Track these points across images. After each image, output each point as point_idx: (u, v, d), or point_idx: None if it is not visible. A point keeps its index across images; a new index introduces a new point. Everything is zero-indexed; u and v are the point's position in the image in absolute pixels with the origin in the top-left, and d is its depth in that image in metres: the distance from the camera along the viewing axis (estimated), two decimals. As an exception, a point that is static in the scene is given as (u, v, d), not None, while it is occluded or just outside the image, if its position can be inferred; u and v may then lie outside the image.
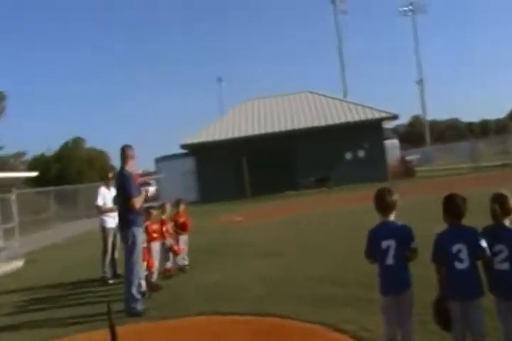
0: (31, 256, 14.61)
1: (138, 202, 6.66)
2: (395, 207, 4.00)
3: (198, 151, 30.37)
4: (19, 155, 47.32)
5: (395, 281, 3.93)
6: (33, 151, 71.35)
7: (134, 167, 7.06)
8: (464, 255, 3.64)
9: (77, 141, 53.64)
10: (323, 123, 29.40)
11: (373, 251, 3.99)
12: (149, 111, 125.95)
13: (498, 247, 3.65)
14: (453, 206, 3.76)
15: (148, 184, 24.83)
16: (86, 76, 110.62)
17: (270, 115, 31.47)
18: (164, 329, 5.91)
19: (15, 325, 7.06)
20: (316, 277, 7.45)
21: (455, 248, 3.66)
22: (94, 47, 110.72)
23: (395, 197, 4.01)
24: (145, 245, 7.68)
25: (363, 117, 29.13)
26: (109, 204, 9.40)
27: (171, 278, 8.67)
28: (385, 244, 3.89)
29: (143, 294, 7.43)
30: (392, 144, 32.78)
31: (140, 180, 7.27)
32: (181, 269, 9.17)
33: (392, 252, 3.86)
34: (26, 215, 21.20)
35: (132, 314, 6.53)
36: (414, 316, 4.02)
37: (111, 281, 9.07)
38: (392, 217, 4.00)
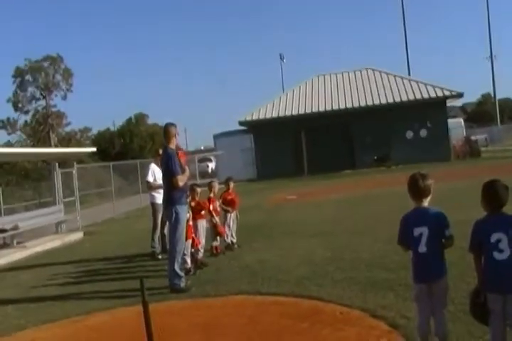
0: (90, 229, 15.13)
1: (181, 180, 6.67)
2: (429, 192, 3.80)
3: (256, 128, 30.36)
4: (85, 130, 48.83)
5: (427, 269, 3.76)
6: (98, 127, 73.54)
7: (178, 144, 7.06)
8: (503, 245, 3.42)
9: (140, 117, 54.66)
10: (384, 100, 28.69)
11: (406, 238, 3.83)
12: (211, 87, 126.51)
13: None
14: (493, 194, 3.53)
15: (209, 160, 25.48)
16: (151, 53, 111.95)
17: (330, 92, 30.96)
18: (203, 307, 5.96)
19: (64, 295, 7.33)
20: (362, 260, 7.30)
21: (494, 237, 3.44)
22: (164, 25, 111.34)
23: (429, 181, 3.81)
24: (191, 223, 7.75)
25: (425, 95, 28.19)
26: (160, 180, 9.48)
27: (218, 256, 8.75)
28: (417, 230, 3.72)
29: (188, 271, 7.55)
30: (456, 123, 31.70)
31: (185, 158, 7.27)
32: (229, 247, 9.23)
33: (424, 240, 3.69)
34: (87, 189, 21.94)
35: (175, 290, 6.63)
36: (451, 305, 3.86)
37: (160, 256, 9.23)
38: (425, 203, 3.82)
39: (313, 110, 29.53)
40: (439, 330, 3.74)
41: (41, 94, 47.13)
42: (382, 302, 5.26)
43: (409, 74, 40.03)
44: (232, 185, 9.61)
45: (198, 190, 8.30)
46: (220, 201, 9.30)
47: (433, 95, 28.11)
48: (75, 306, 6.66)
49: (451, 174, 20.06)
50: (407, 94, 28.72)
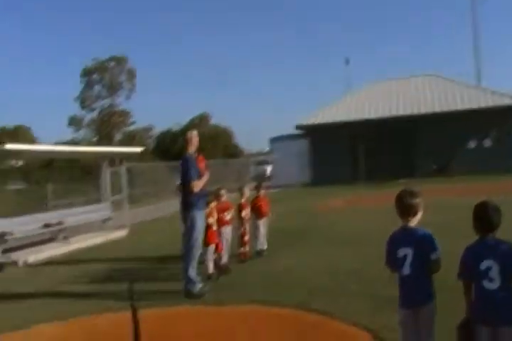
0: (136, 228, 15.38)
1: (197, 186, 6.65)
2: (416, 211, 3.56)
3: (313, 133, 30.08)
4: (147, 129, 50.11)
5: (411, 293, 3.52)
6: (161, 126, 75.26)
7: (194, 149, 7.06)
8: (494, 273, 3.16)
9: (203, 118, 55.50)
10: (445, 108, 27.70)
11: (391, 259, 3.61)
12: (272, 90, 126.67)
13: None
14: (482, 216, 3.27)
15: (267, 163, 25.43)
16: (214, 54, 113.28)
17: (391, 98, 30.24)
18: (209, 314, 5.92)
19: (88, 292, 7.49)
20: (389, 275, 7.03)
21: (484, 264, 3.18)
22: (230, 33, 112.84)
23: (416, 200, 3.57)
24: (215, 228, 7.71)
25: (491, 103, 27.00)
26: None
27: (245, 262, 8.67)
28: (401, 251, 3.50)
29: (209, 276, 7.52)
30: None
31: (204, 163, 7.25)
32: (258, 253, 9.14)
33: (408, 261, 3.46)
34: (138, 188, 22.43)
35: (188, 295, 6.62)
36: (439, 334, 3.61)
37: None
38: (413, 223, 3.58)
39: (372, 116, 28.93)
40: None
41: (107, 93, 48.79)
42: (390, 324, 5.00)
43: (479, 81, 38.58)
44: (262, 191, 9.49)
45: (223, 192, 8.24)
46: (252, 207, 9.22)
47: (499, 103, 26.91)
48: (94, 304, 6.76)
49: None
50: (470, 102, 27.62)
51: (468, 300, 3.33)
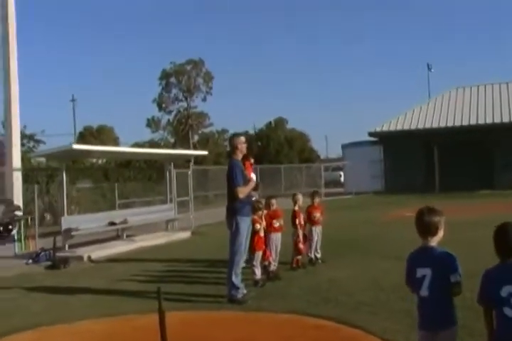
0: (201, 230, 15.63)
1: (242, 192, 6.68)
2: (436, 229, 3.38)
3: (386, 140, 29.50)
4: (222, 132, 50.86)
5: (429, 316, 3.34)
6: (238, 129, 76.25)
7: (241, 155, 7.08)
8: None
9: (280, 122, 55.69)
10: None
11: (410, 280, 3.46)
12: (350, 96, 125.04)
13: None
14: (503, 239, 3.08)
15: (340, 169, 25.33)
16: (286, 60, 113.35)
17: (471, 106, 29.13)
18: (248, 321, 5.95)
19: (139, 292, 7.64)
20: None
21: (505, 290, 2.99)
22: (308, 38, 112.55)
23: (436, 218, 3.39)
24: (262, 234, 7.71)
25: None
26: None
27: (296, 270, 8.63)
28: (420, 272, 3.33)
29: (256, 282, 7.54)
30: None
31: (251, 168, 7.27)
32: (311, 262, 9.06)
33: (427, 282, 3.29)
34: (211, 190, 22.83)
35: (231, 301, 6.66)
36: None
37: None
38: (433, 242, 3.41)
39: (449, 124, 28.00)
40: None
41: (183, 96, 49.97)
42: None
43: None
44: (318, 199, 9.39)
45: (274, 201, 8.23)
46: (305, 215, 9.16)
47: None
48: (139, 304, 6.92)
49: None
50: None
51: (488, 327, 3.15)
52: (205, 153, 15.93)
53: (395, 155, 28.64)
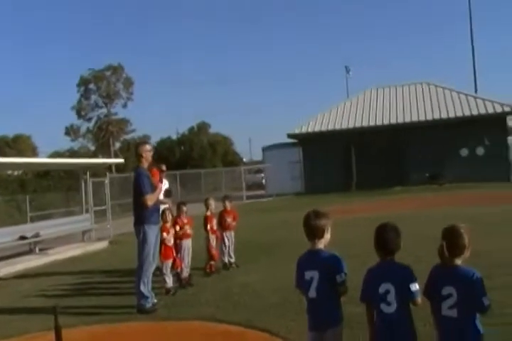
0: (119, 239, 15.26)
1: (150, 200, 6.61)
2: (322, 232, 3.50)
3: (305, 141, 30.05)
4: (144, 138, 50.21)
5: (317, 317, 3.46)
6: (161, 134, 75.43)
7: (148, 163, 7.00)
8: (391, 297, 3.10)
9: (203, 126, 55.60)
10: (437, 116, 27.63)
11: (299, 282, 3.55)
12: (273, 99, 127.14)
13: (446, 290, 3.04)
14: (380, 239, 3.22)
15: (262, 171, 25.31)
16: (213, 63, 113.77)
17: (382, 106, 30.19)
18: (155, 330, 5.89)
19: (44, 308, 7.36)
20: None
21: (382, 288, 3.13)
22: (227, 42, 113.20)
23: (323, 221, 3.51)
24: (170, 244, 7.65)
25: (482, 111, 26.89)
26: (160, 197, 9.43)
27: (210, 276, 8.60)
28: (308, 274, 3.44)
29: (167, 291, 7.47)
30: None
31: (158, 176, 7.21)
32: (225, 267, 9.07)
33: (315, 284, 3.40)
34: (130, 197, 22.38)
35: (140, 311, 6.58)
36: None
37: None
38: (320, 244, 3.51)
39: (365, 124, 28.89)
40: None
41: (103, 103, 48.99)
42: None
43: (475, 90, 38.44)
44: (228, 204, 9.40)
45: (184, 208, 8.18)
46: (217, 220, 9.16)
47: (491, 111, 26.79)
48: (45, 321, 6.66)
49: (505, 196, 19.02)
50: (462, 109, 27.55)
51: (369, 322, 3.28)
52: (120, 161, 15.57)
53: (313, 156, 29.19)
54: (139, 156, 6.96)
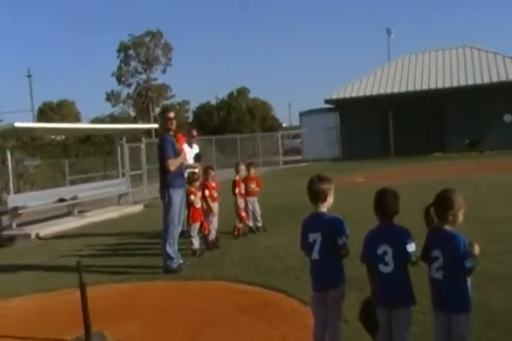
0: (154, 202, 15.66)
1: (172, 164, 6.78)
2: (325, 196, 3.62)
3: (342, 106, 29.75)
4: (183, 103, 50.51)
5: (320, 277, 3.62)
6: (201, 100, 75.54)
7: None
8: (389, 258, 3.22)
9: (242, 91, 55.42)
10: (479, 81, 26.84)
11: (304, 244, 3.69)
12: (313, 64, 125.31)
13: (435, 253, 3.14)
14: (379, 203, 3.31)
15: (298, 137, 25.54)
16: (252, 28, 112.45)
17: (422, 71, 29.46)
18: (179, 289, 6.18)
19: (72, 267, 7.73)
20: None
21: (381, 249, 3.25)
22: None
23: (325, 185, 3.62)
24: (198, 206, 7.87)
25: (529, 76, 26.00)
26: (190, 161, 9.61)
27: (237, 238, 8.83)
28: (311, 236, 3.58)
29: (193, 253, 7.74)
30: None
31: (182, 140, 7.36)
32: (251, 230, 9.27)
33: (318, 246, 3.54)
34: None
35: (166, 271, 6.85)
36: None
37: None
38: (323, 208, 3.63)
39: (403, 89, 28.34)
40: (331, 340, 3.59)
41: (142, 68, 49.32)
42: (354, 304, 5.08)
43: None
44: (253, 170, 9.52)
45: (212, 173, 8.36)
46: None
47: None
48: (74, 278, 7.02)
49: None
50: (507, 73, 26.63)
51: (371, 282, 3.41)
52: (154, 126, 15.86)
53: (350, 122, 28.95)
54: (162, 123, 7.11)
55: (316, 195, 3.62)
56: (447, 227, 3.15)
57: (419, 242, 3.30)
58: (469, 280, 3.14)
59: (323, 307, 3.61)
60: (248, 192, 9.22)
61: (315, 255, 3.57)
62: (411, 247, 3.19)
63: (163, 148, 6.80)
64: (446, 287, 3.08)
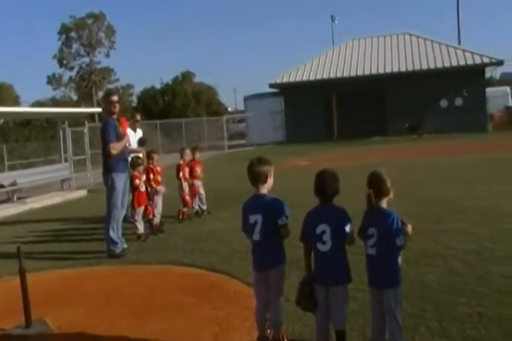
0: (98, 187, 15.43)
1: (114, 148, 6.73)
2: (265, 178, 3.70)
3: (286, 91, 29.96)
4: (127, 87, 49.61)
5: (261, 258, 3.71)
6: (145, 84, 74.31)
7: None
8: (327, 236, 3.33)
9: (187, 75, 54.88)
10: (418, 67, 27.62)
11: (245, 226, 3.77)
12: (259, 50, 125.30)
13: (370, 231, 3.28)
14: (319, 184, 3.43)
15: (243, 121, 25.47)
16: (199, 10, 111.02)
17: (364, 56, 30.02)
18: (122, 274, 6.14)
19: (12, 254, 7.57)
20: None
21: (319, 228, 3.36)
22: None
23: (265, 167, 3.70)
24: (143, 189, 7.83)
25: (462, 62, 26.90)
26: (134, 145, 9.51)
27: (182, 222, 8.86)
28: (252, 218, 3.67)
29: (139, 236, 7.72)
30: (499, 92, 30.19)
31: (126, 124, 7.29)
32: (197, 214, 9.31)
33: (258, 227, 3.62)
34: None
35: (110, 256, 6.82)
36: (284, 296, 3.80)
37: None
38: (263, 190, 3.72)
39: (346, 74, 28.81)
40: (272, 319, 3.70)
41: (85, 51, 48.07)
42: (294, 282, 5.21)
43: (459, 42, 38.09)
44: (198, 154, 9.54)
45: (156, 156, 8.33)
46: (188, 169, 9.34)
47: (470, 62, 26.79)
48: (14, 266, 6.88)
49: (483, 146, 19.36)
50: (442, 60, 27.50)
51: (306, 262, 3.51)
52: (97, 110, 15.55)
53: (295, 106, 29.22)
54: (105, 106, 7.02)
55: (257, 177, 3.69)
56: (383, 205, 3.28)
57: (358, 223, 3.44)
58: (400, 256, 3.29)
59: (264, 287, 3.70)
60: (194, 176, 9.23)
61: (256, 236, 3.65)
62: (348, 227, 3.32)
63: (106, 132, 6.73)
64: (379, 263, 3.23)
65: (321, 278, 3.40)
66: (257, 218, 3.63)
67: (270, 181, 3.75)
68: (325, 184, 3.41)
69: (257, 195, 3.74)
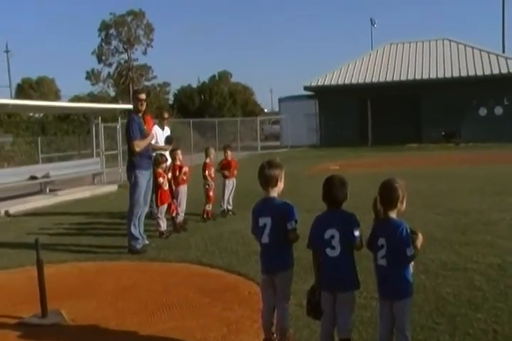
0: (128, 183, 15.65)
1: (138, 146, 6.80)
2: (276, 181, 3.69)
3: (321, 94, 29.81)
4: (164, 85, 50.11)
5: (269, 261, 3.71)
6: (183, 82, 74.98)
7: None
8: (335, 242, 3.30)
9: (224, 75, 55.17)
10: (457, 73, 27.09)
11: (254, 228, 3.76)
12: (297, 52, 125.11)
13: (380, 242, 3.23)
14: (327, 190, 3.39)
15: (276, 123, 25.46)
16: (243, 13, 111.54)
17: (401, 62, 29.63)
18: (140, 270, 6.19)
19: (44, 244, 7.72)
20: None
21: (328, 233, 3.33)
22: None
23: (276, 171, 3.68)
24: (166, 188, 7.88)
25: (504, 70, 26.28)
26: (161, 143, 9.60)
27: (206, 222, 8.90)
28: (262, 221, 3.66)
29: (161, 234, 7.78)
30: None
31: (152, 122, 7.36)
32: (223, 213, 9.33)
33: (267, 230, 3.61)
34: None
35: (130, 251, 6.90)
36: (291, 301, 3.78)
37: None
38: (273, 193, 3.70)
39: (382, 79, 28.49)
40: (278, 323, 3.68)
41: (123, 48, 48.78)
42: (304, 287, 5.18)
43: (503, 50, 37.27)
44: (229, 152, 9.57)
45: (179, 155, 8.39)
46: (218, 167, 9.39)
47: (512, 70, 26.17)
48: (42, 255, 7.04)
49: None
50: (483, 67, 26.91)
51: (315, 267, 3.49)
52: (129, 106, 15.65)
53: (329, 110, 29.05)
54: (134, 103, 7.10)
55: (267, 181, 3.68)
56: (392, 216, 3.23)
57: (368, 229, 3.39)
58: (411, 267, 3.23)
59: (271, 291, 3.69)
60: (225, 175, 9.28)
61: (265, 239, 3.65)
62: (357, 232, 3.28)
63: (130, 129, 6.81)
64: (390, 274, 3.18)
65: (328, 284, 3.37)
66: (266, 221, 3.63)
67: (280, 185, 3.74)
68: (332, 190, 3.38)
69: (266, 198, 3.73)
